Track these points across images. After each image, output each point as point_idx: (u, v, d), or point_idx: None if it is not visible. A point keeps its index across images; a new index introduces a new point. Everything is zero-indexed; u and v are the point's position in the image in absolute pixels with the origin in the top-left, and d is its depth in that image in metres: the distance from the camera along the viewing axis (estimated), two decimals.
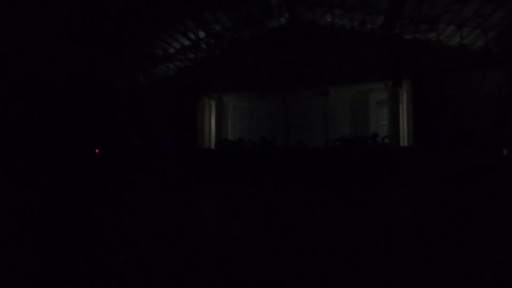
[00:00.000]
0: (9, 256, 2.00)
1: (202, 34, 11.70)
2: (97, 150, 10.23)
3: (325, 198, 4.80)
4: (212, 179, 8.14)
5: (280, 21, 12.13)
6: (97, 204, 4.23)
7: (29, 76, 10.01)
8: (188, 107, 12.63)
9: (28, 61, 9.76)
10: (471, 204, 4.10)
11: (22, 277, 1.64)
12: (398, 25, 10.05)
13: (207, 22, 10.99)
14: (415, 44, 10.00)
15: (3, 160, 8.70)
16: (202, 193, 5.62)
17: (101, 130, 11.35)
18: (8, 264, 1.84)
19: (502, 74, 9.62)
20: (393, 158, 8.41)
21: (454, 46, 10.31)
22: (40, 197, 4.96)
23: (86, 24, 9.44)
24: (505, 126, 9.02)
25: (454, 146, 8.00)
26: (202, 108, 13.32)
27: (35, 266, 1.80)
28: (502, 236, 2.37)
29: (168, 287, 1.51)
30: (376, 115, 12.78)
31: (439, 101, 9.85)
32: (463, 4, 8.62)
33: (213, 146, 12.18)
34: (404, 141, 11.38)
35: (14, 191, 5.80)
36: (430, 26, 9.78)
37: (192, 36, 11.71)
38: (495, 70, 9.65)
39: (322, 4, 10.69)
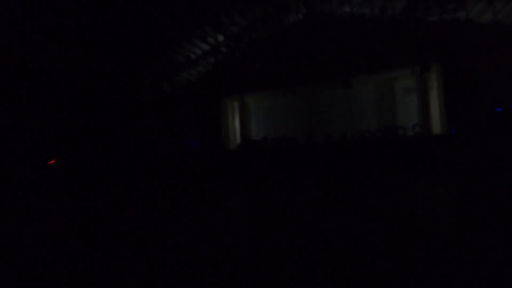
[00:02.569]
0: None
1: (220, 38, 11.89)
2: (53, 161, 8.84)
3: (363, 192, 4.69)
4: (240, 179, 8.24)
5: (297, 16, 12.01)
6: (133, 207, 4.43)
7: (56, 84, 10.58)
8: (212, 110, 12.89)
9: (55, 70, 10.35)
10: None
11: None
12: (422, 7, 9.56)
13: (224, 25, 11.15)
14: (442, 25, 9.46)
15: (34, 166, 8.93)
16: (234, 194, 5.71)
17: (130, 136, 11.84)
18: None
19: None
20: (427, 146, 8.01)
21: (487, 23, 9.63)
22: (74, 202, 5.29)
23: (111, 36, 9.93)
24: None
25: (495, 131, 7.42)
26: (225, 110, 13.53)
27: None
28: None
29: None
30: (404, 103, 12.24)
31: (474, 84, 9.24)
32: None
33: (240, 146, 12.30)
34: (436, 128, 10.81)
35: (50, 197, 6.20)
36: (457, 4, 9.20)
37: (211, 40, 11.93)
38: None
39: None
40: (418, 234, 2.14)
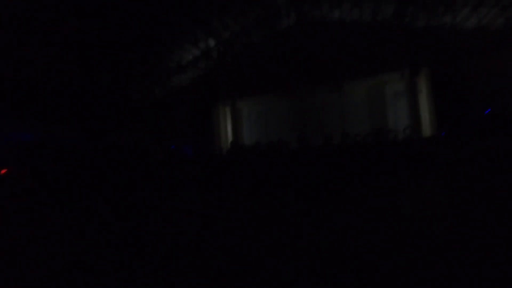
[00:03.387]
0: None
1: (212, 43, 11.88)
2: (2, 171, 8.08)
3: (356, 196, 4.67)
4: (234, 184, 8.14)
5: (289, 21, 12.12)
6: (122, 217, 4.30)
7: (46, 91, 10.32)
8: (204, 115, 12.79)
9: (44, 76, 10.11)
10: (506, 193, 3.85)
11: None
12: (410, 12, 9.78)
13: (216, 30, 11.15)
14: (430, 30, 9.69)
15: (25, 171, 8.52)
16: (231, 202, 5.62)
17: (122, 143, 11.60)
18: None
19: None
20: (418, 149, 8.10)
21: (472, 28, 9.91)
22: (64, 211, 5.11)
23: (101, 43, 9.79)
24: None
25: (485, 132, 7.52)
26: (217, 115, 13.45)
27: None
28: None
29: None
30: (395, 107, 12.43)
31: (462, 87, 9.45)
32: None
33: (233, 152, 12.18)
34: (426, 131, 10.98)
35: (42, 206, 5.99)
36: (444, 10, 9.46)
37: (202, 45, 11.90)
38: None
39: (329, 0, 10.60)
40: (411, 237, 2.11)
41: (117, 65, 11.10)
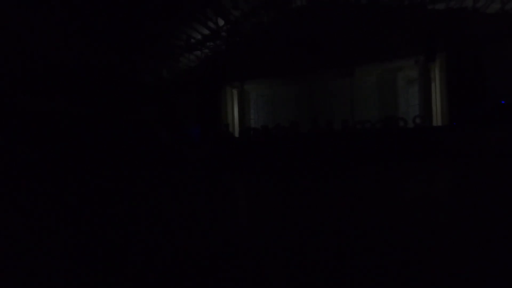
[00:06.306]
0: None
1: (221, 22, 11.59)
2: None
3: (362, 184, 4.63)
4: (242, 168, 8.15)
5: (300, 1, 11.70)
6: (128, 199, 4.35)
7: (53, 70, 10.29)
8: (211, 97, 12.70)
9: (51, 55, 10.06)
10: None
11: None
12: None
13: (225, 9, 10.84)
14: (449, 14, 9.23)
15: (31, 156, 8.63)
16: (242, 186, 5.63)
17: (127, 124, 11.65)
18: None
19: None
20: (427, 138, 7.93)
21: (494, 14, 9.41)
22: (75, 192, 5.20)
23: (107, 21, 9.63)
24: None
25: (498, 124, 7.28)
26: (225, 97, 13.34)
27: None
28: None
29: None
30: (407, 94, 12.11)
31: (478, 75, 9.08)
32: None
33: (237, 135, 12.20)
34: (437, 121, 10.72)
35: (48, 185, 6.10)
36: None
37: (211, 25, 11.63)
38: None
39: None
40: (418, 227, 2.08)
41: (125, 45, 10.97)
